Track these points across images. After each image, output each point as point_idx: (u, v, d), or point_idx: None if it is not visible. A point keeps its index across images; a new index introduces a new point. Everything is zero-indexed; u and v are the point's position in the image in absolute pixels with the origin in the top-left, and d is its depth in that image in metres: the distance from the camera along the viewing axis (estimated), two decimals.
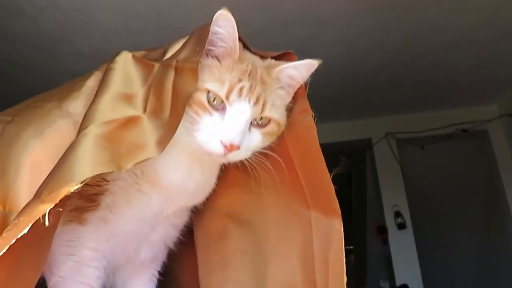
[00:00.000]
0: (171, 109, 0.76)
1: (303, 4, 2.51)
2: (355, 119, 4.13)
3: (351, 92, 3.64)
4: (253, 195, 1.00)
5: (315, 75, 0.96)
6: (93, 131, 0.72)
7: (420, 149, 4.25)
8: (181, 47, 0.86)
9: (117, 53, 0.88)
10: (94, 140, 0.70)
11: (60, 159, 0.70)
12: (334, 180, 0.87)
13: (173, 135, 0.74)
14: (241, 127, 0.85)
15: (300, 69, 0.93)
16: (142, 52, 0.93)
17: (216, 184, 1.02)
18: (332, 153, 3.88)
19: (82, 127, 0.74)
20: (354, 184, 5.12)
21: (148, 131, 0.75)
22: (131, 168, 0.71)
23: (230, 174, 1.03)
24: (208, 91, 0.85)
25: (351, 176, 5.13)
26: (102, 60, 2.84)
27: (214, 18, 0.85)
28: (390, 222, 3.98)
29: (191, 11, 2.43)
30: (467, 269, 4.55)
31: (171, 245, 1.07)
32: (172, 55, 0.86)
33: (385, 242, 4.03)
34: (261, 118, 0.89)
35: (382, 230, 4.00)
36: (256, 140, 0.90)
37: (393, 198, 4.02)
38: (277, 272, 0.91)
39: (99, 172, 0.66)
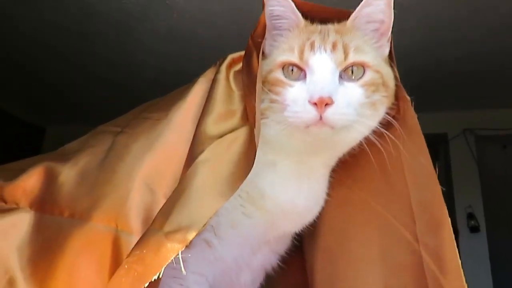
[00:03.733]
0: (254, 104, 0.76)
1: None
2: (431, 111, 3.89)
3: (430, 83, 3.42)
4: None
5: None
6: (212, 157, 0.71)
7: (502, 148, 3.94)
8: None
9: (222, 60, 0.89)
10: (213, 167, 0.69)
11: (179, 187, 0.69)
12: None
13: (259, 122, 0.73)
14: (326, 78, 0.78)
15: (372, 3, 0.84)
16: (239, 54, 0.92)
17: (328, 195, 0.96)
18: None
19: (195, 150, 0.73)
20: None
21: (251, 136, 0.73)
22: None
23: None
24: (282, 67, 0.82)
25: None
26: (177, 41, 2.88)
27: (263, 1, 0.83)
28: (462, 224, 3.74)
29: None
30: None
31: (270, 270, 1.05)
32: None
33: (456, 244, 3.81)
34: (352, 69, 0.81)
35: (453, 232, 3.78)
36: (356, 93, 0.80)
37: (467, 198, 3.77)
38: None
39: (222, 204, 0.66)
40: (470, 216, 3.72)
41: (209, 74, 0.90)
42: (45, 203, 0.80)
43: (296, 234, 1.01)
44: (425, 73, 3.25)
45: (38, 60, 3.37)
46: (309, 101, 0.76)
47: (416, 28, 2.65)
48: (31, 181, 0.83)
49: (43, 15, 2.74)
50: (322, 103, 0.74)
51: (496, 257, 3.70)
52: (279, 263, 1.03)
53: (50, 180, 0.82)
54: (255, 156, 0.69)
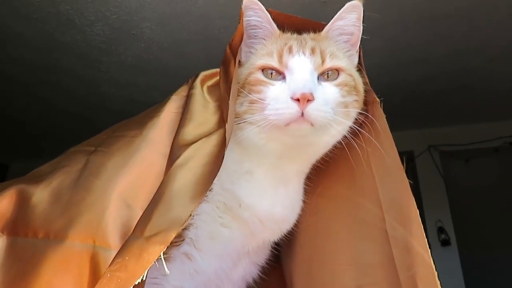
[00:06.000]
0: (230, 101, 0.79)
1: None
2: (396, 130, 3.99)
3: (394, 103, 3.55)
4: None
5: None
6: (189, 160, 0.72)
7: (465, 162, 4.08)
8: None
9: (195, 78, 0.91)
10: (189, 169, 0.71)
11: (157, 193, 0.70)
12: None
13: (232, 121, 0.77)
14: (305, 77, 0.82)
15: (345, 17, 0.91)
16: (211, 71, 0.96)
17: (303, 201, 0.98)
18: None
19: (173, 157, 0.74)
20: None
21: (224, 137, 0.76)
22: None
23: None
24: (262, 69, 0.86)
25: None
26: (145, 71, 2.87)
27: (241, 11, 0.88)
28: (432, 238, 3.82)
29: (236, 23, 2.42)
30: None
31: (251, 282, 1.05)
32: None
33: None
34: (328, 72, 0.86)
35: None
36: (332, 92, 0.85)
37: (436, 213, 3.86)
38: None
39: (201, 200, 0.67)
40: (441, 230, 3.81)
41: (181, 91, 0.93)
42: (17, 226, 0.78)
43: (275, 243, 1.02)
44: (388, 93, 3.34)
45: (0, 94, 3.29)
46: (292, 97, 0.79)
47: (379, 50, 2.76)
48: (1, 205, 0.81)
49: (6, 48, 2.69)
50: (305, 99, 0.78)
51: (468, 268, 3.78)
52: (260, 274, 1.04)
53: (23, 202, 0.81)
54: (224, 153, 0.72)
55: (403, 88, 3.33)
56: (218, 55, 3.07)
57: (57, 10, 2.36)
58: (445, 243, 3.76)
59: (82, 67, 2.93)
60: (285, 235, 0.99)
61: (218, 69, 0.96)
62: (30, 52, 2.74)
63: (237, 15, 2.63)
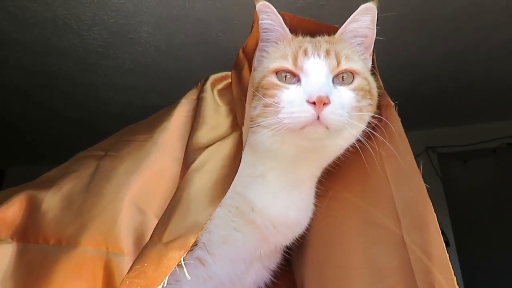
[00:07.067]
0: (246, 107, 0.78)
1: (346, 18, 2.46)
2: None
3: None
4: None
5: None
6: (205, 164, 0.71)
7: (463, 163, 4.09)
8: None
9: (204, 81, 0.91)
10: (206, 173, 0.70)
11: (174, 198, 0.69)
12: None
13: (248, 123, 0.76)
14: (321, 79, 0.81)
15: (359, 19, 0.91)
16: (220, 74, 0.96)
17: (315, 205, 0.97)
18: None
19: (189, 161, 0.73)
20: None
21: (239, 139, 0.75)
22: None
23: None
24: (276, 72, 0.85)
25: None
26: (142, 74, 2.86)
27: (254, 15, 0.86)
28: None
29: (234, 26, 2.44)
30: None
31: (263, 286, 1.04)
32: None
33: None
34: (343, 75, 0.86)
35: None
36: (347, 96, 0.84)
37: None
38: None
39: (219, 203, 0.65)
40: None
41: (191, 95, 0.92)
42: (28, 233, 0.77)
43: (286, 247, 1.01)
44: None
45: None
46: (308, 101, 0.78)
47: (377, 50, 2.76)
48: (11, 211, 0.80)
49: (3, 53, 2.68)
50: (321, 102, 0.77)
51: (468, 269, 3.77)
52: (272, 278, 1.03)
53: (33, 208, 0.79)
54: (241, 156, 0.70)
55: (401, 89, 3.33)
56: (216, 58, 3.07)
57: (54, 14, 2.35)
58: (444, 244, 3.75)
59: (80, 71, 2.92)
60: (296, 239, 0.98)
61: (227, 72, 0.95)
62: (27, 57, 2.72)
63: (234, 18, 2.63)
